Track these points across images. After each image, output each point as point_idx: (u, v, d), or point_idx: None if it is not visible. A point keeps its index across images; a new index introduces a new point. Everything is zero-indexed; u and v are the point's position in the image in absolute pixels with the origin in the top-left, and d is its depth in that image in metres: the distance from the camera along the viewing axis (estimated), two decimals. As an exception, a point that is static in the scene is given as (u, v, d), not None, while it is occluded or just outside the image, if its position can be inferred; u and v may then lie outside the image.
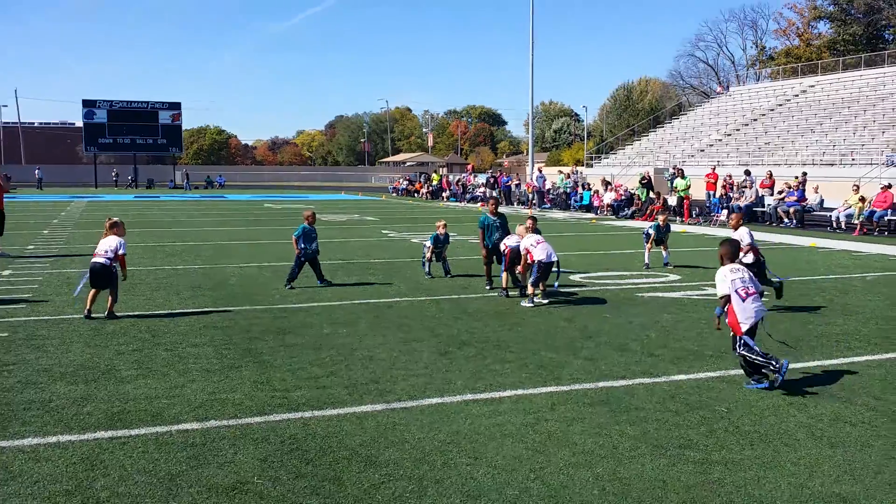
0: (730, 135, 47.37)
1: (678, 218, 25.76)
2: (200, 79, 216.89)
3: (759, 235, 20.25)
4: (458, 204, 39.60)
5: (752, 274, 6.61)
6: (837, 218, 21.80)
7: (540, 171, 37.37)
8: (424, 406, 5.84)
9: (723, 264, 6.57)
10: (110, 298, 9.05)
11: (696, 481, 4.48)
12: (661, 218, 13.59)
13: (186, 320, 8.96)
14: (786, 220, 23.29)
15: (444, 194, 43.73)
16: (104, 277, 9.01)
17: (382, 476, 4.55)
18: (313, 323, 8.84)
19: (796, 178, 25.58)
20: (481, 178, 44.37)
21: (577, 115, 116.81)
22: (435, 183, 46.38)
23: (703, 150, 45.94)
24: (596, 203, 30.68)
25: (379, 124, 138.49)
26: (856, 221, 21.06)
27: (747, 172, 26.30)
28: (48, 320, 8.86)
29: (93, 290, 9.04)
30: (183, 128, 70.81)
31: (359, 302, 10.20)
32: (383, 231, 21.94)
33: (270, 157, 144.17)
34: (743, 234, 9.53)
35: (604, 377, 6.65)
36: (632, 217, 27.26)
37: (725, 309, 6.34)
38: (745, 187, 25.48)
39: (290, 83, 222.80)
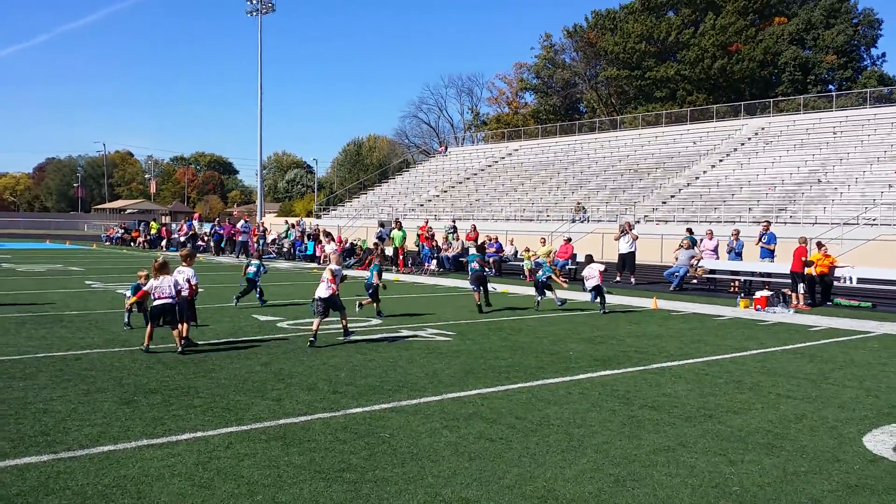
0: (446, 191, 50.96)
1: (394, 267, 27.23)
2: None
3: (464, 283, 22.09)
4: (177, 253, 38.09)
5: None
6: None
7: (246, 221, 37.33)
8: (94, 454, 5.77)
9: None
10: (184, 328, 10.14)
11: (346, 498, 4.98)
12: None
13: None
14: (487, 269, 25.60)
15: (162, 243, 41.85)
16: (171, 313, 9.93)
17: (35, 524, 4.48)
18: (-17, 378, 8.22)
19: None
20: (206, 227, 43.23)
21: (309, 166, 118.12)
22: (154, 231, 44.24)
23: (422, 205, 48.88)
24: (319, 253, 31.32)
25: (95, 169, 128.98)
26: (526, 269, 23.90)
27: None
28: None
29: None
30: None
31: (42, 355, 9.62)
32: (87, 282, 20.60)
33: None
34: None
35: (286, 415, 7.01)
36: (351, 267, 28.24)
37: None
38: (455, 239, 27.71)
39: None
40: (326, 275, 11.03)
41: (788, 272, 18.00)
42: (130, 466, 5.51)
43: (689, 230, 23.26)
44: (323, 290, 10.87)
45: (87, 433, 6.29)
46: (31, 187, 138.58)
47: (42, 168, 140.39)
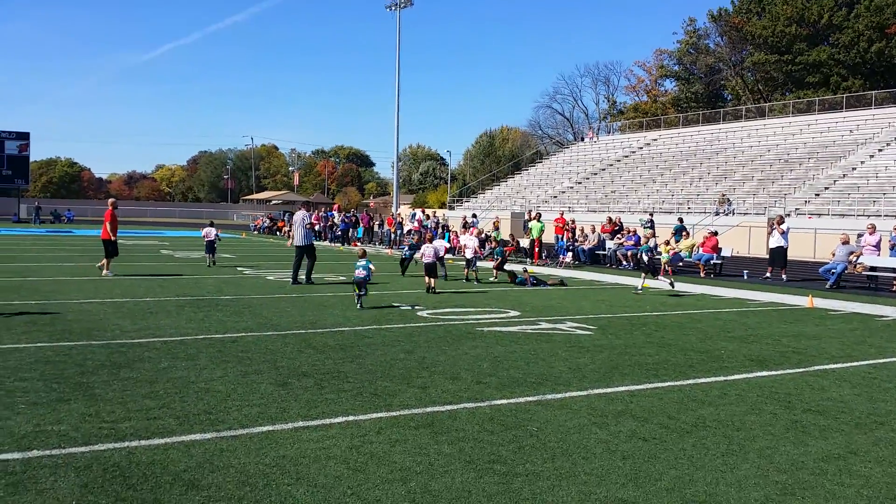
0: (580, 182, 50.09)
1: (528, 259, 27.01)
2: (53, 108, 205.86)
3: (601, 276, 21.62)
4: (319, 243, 39.55)
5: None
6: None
7: (424, 212, 38.16)
8: (255, 433, 6.01)
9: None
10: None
11: (498, 490, 4.93)
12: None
13: (17, 355, 8.66)
14: (624, 262, 24.97)
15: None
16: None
17: (203, 498, 4.70)
18: (151, 357, 8.78)
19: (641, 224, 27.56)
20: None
21: (442, 159, 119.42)
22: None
23: (555, 196, 48.29)
24: (455, 244, 31.54)
25: (244, 161, 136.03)
26: (663, 263, 22.89)
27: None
28: None
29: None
30: (31, 159, 66.99)
31: (202, 337, 10.19)
32: (239, 268, 21.72)
33: (126, 192, 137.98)
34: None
35: (432, 403, 7.06)
36: (485, 258, 28.26)
37: None
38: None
39: (151, 116, 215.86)
40: None
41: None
42: (288, 447, 5.69)
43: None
44: None
45: (247, 413, 6.57)
46: (185, 179, 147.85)
47: (195, 160, 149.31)
